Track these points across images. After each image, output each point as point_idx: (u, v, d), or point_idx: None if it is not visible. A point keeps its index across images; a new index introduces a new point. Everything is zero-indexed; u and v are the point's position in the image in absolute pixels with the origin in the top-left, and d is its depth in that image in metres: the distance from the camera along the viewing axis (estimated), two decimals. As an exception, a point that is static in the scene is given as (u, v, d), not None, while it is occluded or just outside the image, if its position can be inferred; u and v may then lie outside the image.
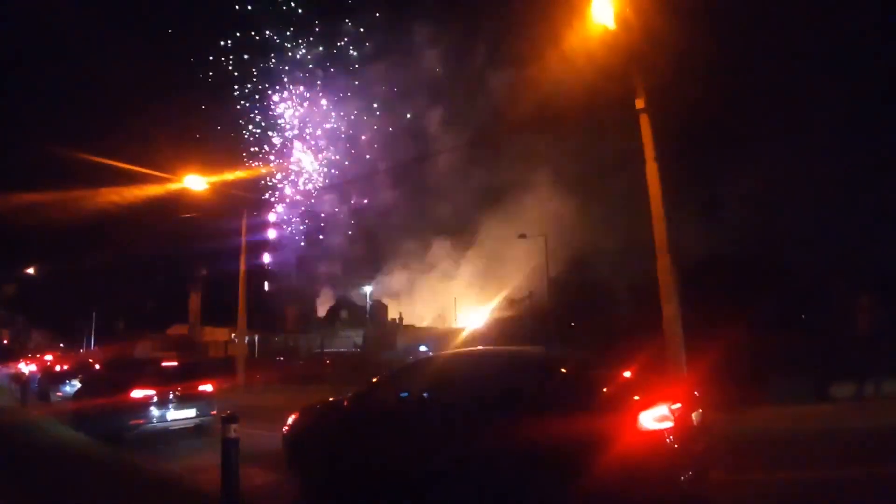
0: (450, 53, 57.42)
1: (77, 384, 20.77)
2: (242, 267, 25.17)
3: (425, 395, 7.18)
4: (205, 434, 12.03)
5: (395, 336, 41.41)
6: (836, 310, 13.99)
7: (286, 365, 32.35)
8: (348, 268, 59.26)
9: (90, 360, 27.81)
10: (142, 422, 11.49)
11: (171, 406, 11.82)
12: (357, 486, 7.21)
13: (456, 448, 6.28)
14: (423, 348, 36.39)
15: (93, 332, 59.28)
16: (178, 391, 12.01)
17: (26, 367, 28.84)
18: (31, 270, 47.18)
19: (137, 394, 11.59)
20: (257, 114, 64.68)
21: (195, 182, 22.82)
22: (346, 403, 7.69)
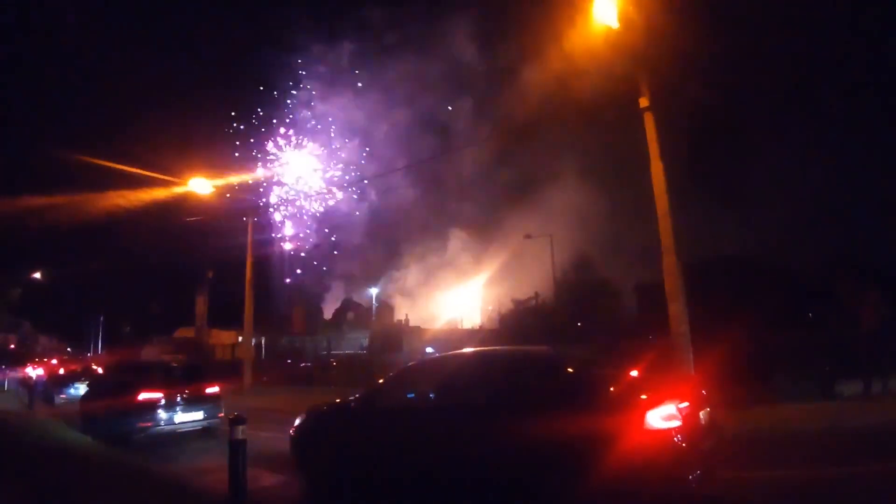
0: (452, 54, 57.25)
1: (81, 387, 21.00)
2: (249, 270, 25.23)
3: (431, 395, 7.20)
4: (212, 436, 12.02)
5: (402, 338, 41.40)
6: (843, 307, 13.96)
7: (293, 367, 32.39)
8: (358, 268, 59.34)
9: (93, 365, 28.03)
10: (149, 424, 11.49)
11: (178, 408, 11.83)
12: (364, 486, 7.23)
13: (463, 448, 6.29)
14: (429, 350, 36.43)
15: (100, 336, 59.56)
16: (185, 393, 12.03)
17: (33, 372, 29.03)
18: (37, 275, 47.40)
19: (145, 396, 11.59)
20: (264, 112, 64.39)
21: (200, 185, 22.92)
22: (353, 405, 7.71)
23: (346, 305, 59.26)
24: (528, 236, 38.98)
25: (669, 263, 11.91)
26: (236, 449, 6.46)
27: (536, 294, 37.35)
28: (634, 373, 6.72)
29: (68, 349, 57.32)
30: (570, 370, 6.72)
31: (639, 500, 5.41)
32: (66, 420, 14.60)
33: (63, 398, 22.96)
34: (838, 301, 15.35)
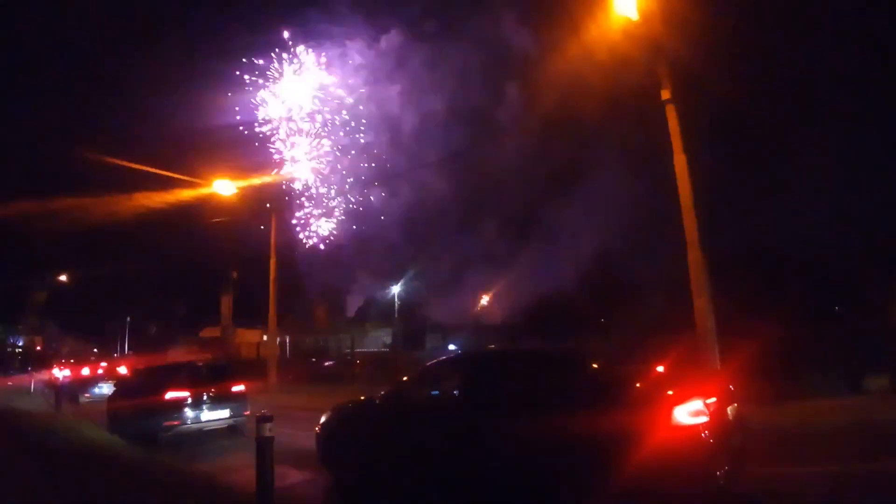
0: (471, 48, 56.88)
1: (105, 386, 21.39)
2: (273, 270, 25.44)
3: (455, 393, 7.20)
4: (238, 434, 12.18)
5: (424, 335, 41.51)
6: (870, 301, 13.77)
7: (317, 365, 32.65)
8: (381, 264, 59.32)
9: (118, 366, 28.51)
10: (176, 423, 11.62)
11: (204, 407, 11.96)
12: (390, 483, 7.27)
13: (488, 446, 6.28)
14: (452, 347, 36.47)
15: (126, 337, 60.37)
16: (211, 392, 12.14)
17: (59, 373, 29.64)
18: (63, 278, 48.19)
19: (172, 395, 11.73)
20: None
21: (224, 186, 23.19)
22: (377, 402, 7.75)
23: (370, 302, 59.44)
24: (549, 232, 38.89)
25: (694, 258, 11.80)
26: (263, 447, 6.50)
27: (560, 290, 37.20)
28: (661, 368, 6.66)
29: (94, 350, 58.17)
30: (595, 367, 6.68)
31: (667, 497, 5.36)
32: (93, 419, 14.87)
33: (87, 397, 23.57)
34: (865, 295, 15.14)
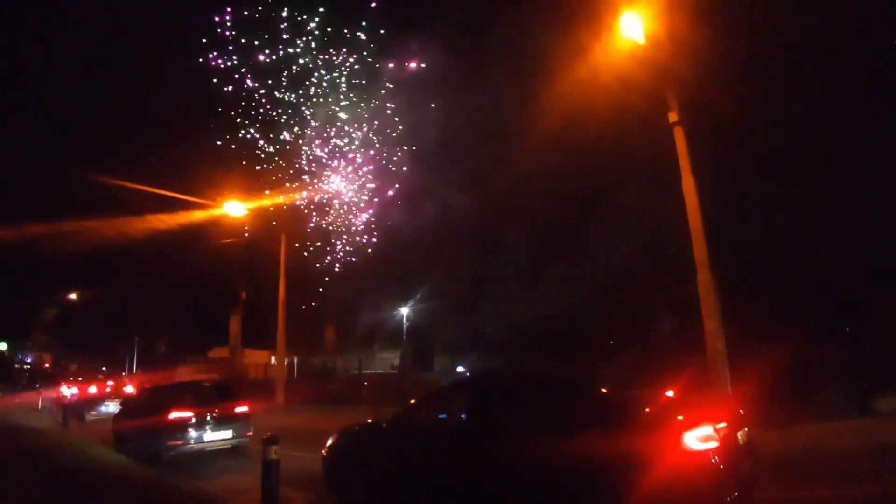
0: (473, 67, 57.06)
1: (111, 405, 21.49)
2: (282, 290, 25.48)
3: (463, 416, 7.17)
4: (241, 455, 12.28)
5: (433, 357, 41.39)
6: (880, 322, 13.67)
7: (325, 386, 32.56)
8: (391, 286, 59.30)
9: (125, 385, 28.63)
10: (179, 443, 11.75)
11: (208, 427, 12.06)
12: None
13: (495, 470, 6.24)
14: (460, 369, 36.35)
15: (134, 356, 60.45)
16: (215, 413, 12.23)
17: (67, 391, 29.76)
18: (72, 296, 48.48)
19: (175, 415, 11.85)
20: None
21: (235, 208, 23.36)
22: (385, 425, 7.73)
23: (378, 324, 59.38)
24: (560, 255, 38.90)
25: (704, 280, 11.74)
26: (269, 469, 6.52)
27: (570, 312, 37.04)
28: (670, 392, 6.62)
29: (103, 368, 58.35)
30: (604, 391, 6.65)
31: None
32: (99, 438, 14.94)
33: (94, 415, 23.70)
34: (875, 315, 15.02)
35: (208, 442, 12.06)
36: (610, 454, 5.42)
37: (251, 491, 7.52)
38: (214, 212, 24.11)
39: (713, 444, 5.30)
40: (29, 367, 64.02)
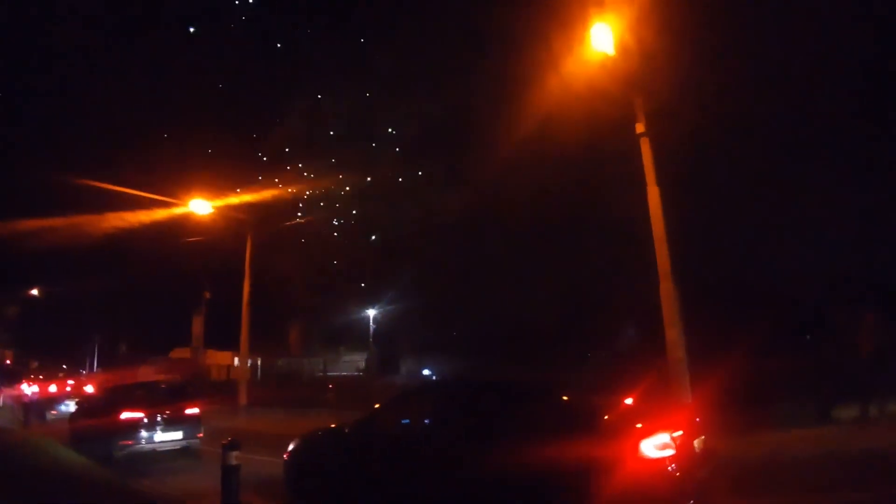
0: (444, 75, 57.22)
1: (71, 404, 21.21)
2: (246, 291, 25.15)
3: (427, 422, 7.16)
4: (192, 456, 12.51)
5: (399, 360, 41.27)
6: (840, 330, 13.96)
7: (288, 389, 32.21)
8: (357, 288, 59.08)
9: (85, 384, 28.18)
10: (130, 443, 11.93)
11: (158, 428, 12.25)
12: None
13: (457, 478, 6.24)
14: (426, 372, 36.29)
15: (95, 355, 59.24)
16: (165, 414, 12.42)
17: (28, 389, 29.15)
18: (34, 292, 47.38)
19: (127, 416, 12.04)
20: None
21: (200, 206, 22.98)
22: (347, 431, 7.66)
23: (344, 326, 59.04)
24: (522, 260, 39.27)
25: (666, 289, 11.91)
26: (229, 475, 6.43)
27: (534, 316, 37.29)
28: (629, 400, 6.70)
29: (64, 367, 57.03)
30: (565, 399, 6.69)
31: None
32: (59, 437, 14.65)
33: (54, 414, 23.34)
34: (835, 324, 15.34)
35: (159, 443, 12.23)
36: (569, 461, 5.47)
37: (210, 496, 7.40)
38: (179, 210, 23.67)
39: (670, 452, 5.38)
40: (-9, 364, 62.34)
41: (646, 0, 11.36)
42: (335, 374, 37.80)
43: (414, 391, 8.43)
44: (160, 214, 24.72)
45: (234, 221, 25.51)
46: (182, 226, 26.65)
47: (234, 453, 6.48)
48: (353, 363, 42.31)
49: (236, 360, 35.90)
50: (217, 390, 29.31)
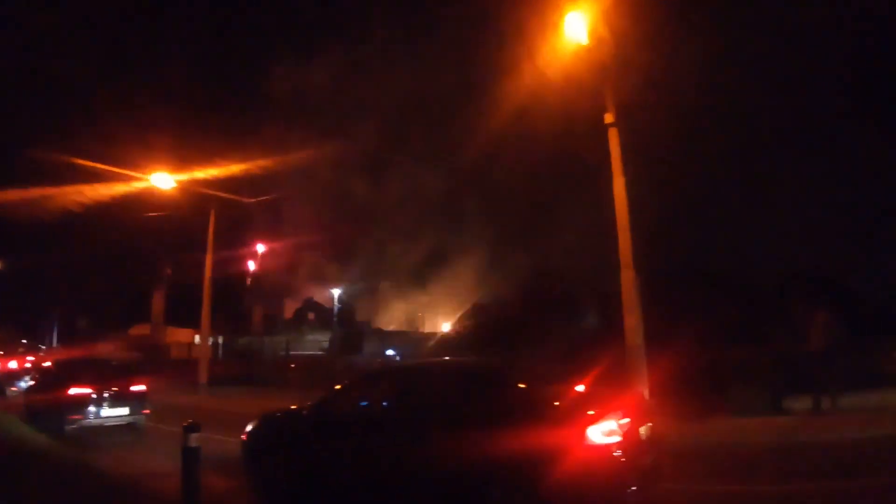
0: (424, 66, 57.19)
1: (30, 380, 20.95)
2: (209, 268, 24.84)
3: (385, 404, 7.20)
4: (138, 431, 13.20)
5: (363, 340, 41.18)
6: (795, 325, 14.33)
7: (250, 367, 31.98)
8: (321, 267, 58.73)
9: (44, 361, 27.80)
10: (79, 417, 12.50)
11: (105, 404, 12.81)
12: (315, 496, 7.19)
13: (409, 461, 6.32)
14: (390, 352, 36.27)
15: (55, 330, 58.13)
16: (113, 390, 12.96)
17: None
18: (-8, 265, 46.14)
19: (75, 391, 12.60)
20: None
21: (162, 180, 22.50)
22: (304, 412, 7.65)
23: (308, 305, 58.77)
24: (488, 244, 39.56)
25: (627, 277, 12.14)
26: (189, 456, 6.40)
27: (499, 300, 37.50)
28: (581, 387, 6.82)
29: (24, 341, 55.99)
30: (515, 383, 6.77)
31: None
32: (16, 413, 14.91)
33: (14, 390, 23.16)
34: (791, 318, 15.73)
35: (105, 418, 12.81)
36: (518, 446, 5.58)
37: (170, 475, 7.34)
38: (141, 184, 23.14)
39: (616, 439, 5.52)
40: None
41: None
42: (298, 353, 37.56)
43: (373, 373, 8.48)
44: (121, 189, 24.18)
45: (197, 196, 24.98)
46: (145, 200, 26.03)
47: (194, 435, 6.45)
48: (316, 343, 42.07)
49: (197, 338, 35.50)
50: (177, 368, 29.03)
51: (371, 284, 55.88)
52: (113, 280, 52.76)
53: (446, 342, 33.77)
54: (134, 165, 22.71)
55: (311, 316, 55.95)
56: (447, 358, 8.45)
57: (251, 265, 42.63)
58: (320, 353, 39.22)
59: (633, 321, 11.96)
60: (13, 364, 29.12)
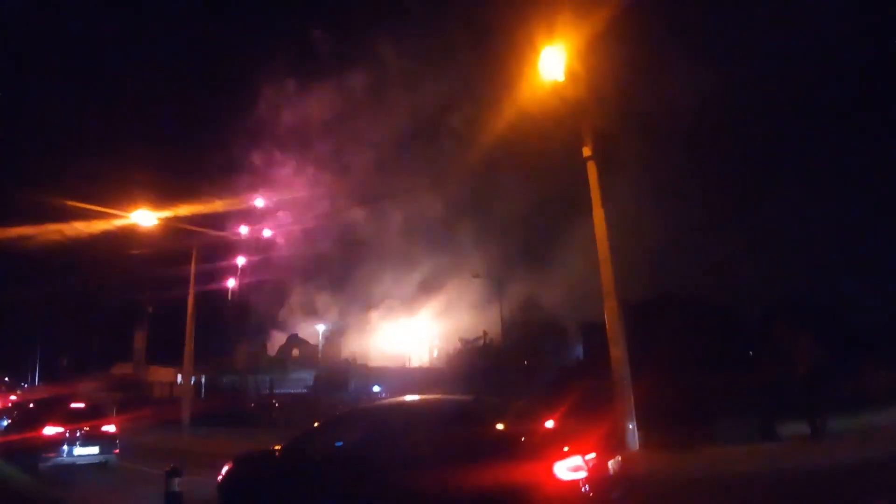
0: (404, 102, 57.80)
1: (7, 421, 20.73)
2: (191, 306, 24.64)
3: (355, 444, 7.16)
4: (109, 470, 13.46)
5: (348, 376, 40.84)
6: (779, 350, 14.42)
7: (233, 406, 31.56)
8: (304, 304, 58.38)
9: (25, 401, 27.39)
10: (53, 455, 13.01)
11: (77, 443, 13.33)
12: None
13: (382, 499, 6.28)
14: (376, 389, 35.97)
15: (37, 369, 57.27)
16: (84, 430, 13.53)
17: None
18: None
19: (49, 431, 13.14)
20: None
21: (144, 218, 22.43)
22: (277, 454, 7.57)
23: (292, 342, 58.20)
24: (476, 276, 39.57)
25: (610, 308, 12.18)
26: (172, 501, 6.32)
27: (485, 333, 37.44)
28: (550, 423, 6.87)
29: (6, 379, 55.23)
30: (484, 420, 6.79)
31: None
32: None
33: None
34: (776, 344, 15.84)
35: (77, 456, 13.29)
36: (486, 483, 5.63)
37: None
38: (123, 222, 23.05)
39: (582, 474, 5.57)
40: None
41: (594, 28, 11.72)
42: (283, 391, 37.17)
43: (347, 413, 8.47)
44: (103, 226, 24.07)
45: (179, 233, 24.92)
46: (128, 238, 25.90)
47: (177, 480, 6.39)
48: (301, 381, 41.65)
49: (179, 378, 35.05)
50: (159, 407, 28.64)
51: (359, 316, 55.56)
52: (95, 318, 52.24)
53: (434, 376, 33.60)
54: (116, 203, 22.67)
55: (295, 353, 55.36)
56: (417, 397, 8.42)
57: (231, 282, 42.34)
58: (305, 391, 38.83)
59: (618, 353, 11.98)
60: None
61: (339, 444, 7.33)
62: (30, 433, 13.41)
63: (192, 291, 24.79)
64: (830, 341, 13.10)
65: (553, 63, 11.66)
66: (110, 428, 14.21)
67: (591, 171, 12.43)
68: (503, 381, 25.25)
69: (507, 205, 50.10)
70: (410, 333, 52.85)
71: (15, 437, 14.21)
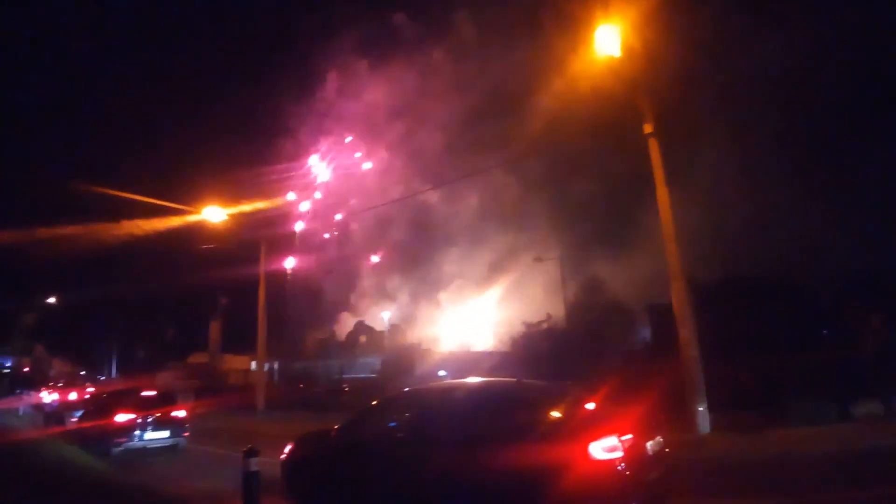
0: (458, 80, 57.37)
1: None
2: (262, 296, 25.46)
3: (405, 424, 7.41)
4: (179, 453, 14.03)
5: (414, 361, 41.34)
6: (856, 329, 13.94)
7: (305, 391, 32.51)
8: (371, 290, 59.36)
9: (96, 391, 29.05)
10: (124, 440, 13.53)
11: (148, 428, 13.85)
12: None
13: (426, 476, 6.49)
14: (441, 373, 36.29)
15: (113, 361, 59.90)
16: (155, 416, 14.05)
17: (48, 397, 30.06)
18: (52, 300, 48.10)
19: (121, 418, 13.67)
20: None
21: (214, 213, 23.28)
22: (333, 434, 7.89)
23: (359, 328, 59.25)
24: (538, 259, 39.25)
25: (678, 289, 11.96)
26: (250, 480, 6.62)
27: (549, 316, 37.17)
28: (591, 404, 6.86)
29: (82, 373, 57.75)
30: (524, 402, 6.87)
31: None
32: (69, 439, 16.14)
33: (74, 420, 24.01)
34: (851, 322, 15.30)
35: (149, 440, 13.81)
36: (525, 463, 5.78)
37: (233, 497, 7.59)
38: (194, 217, 23.99)
39: (618, 454, 5.61)
40: (9, 371, 63.36)
41: (649, 2, 11.46)
42: (351, 375, 37.97)
43: (398, 395, 8.72)
44: (176, 222, 25.08)
45: (247, 229, 25.77)
46: (200, 232, 26.97)
47: (254, 460, 6.69)
48: (368, 366, 42.42)
49: (253, 364, 36.24)
50: (234, 394, 29.77)
51: (430, 297, 56.06)
52: (171, 311, 54.47)
53: (497, 361, 33.62)
54: (186, 200, 23.60)
55: (362, 339, 56.38)
56: (465, 379, 8.58)
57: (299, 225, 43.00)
58: (373, 375, 39.54)
59: (686, 333, 11.77)
60: (73, 395, 30.29)
61: (392, 424, 7.59)
62: (103, 421, 14.07)
63: (262, 283, 25.62)
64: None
65: (609, 38, 11.47)
66: (180, 413, 14.79)
67: (654, 148, 12.17)
68: (567, 364, 25.07)
69: (576, 185, 49.31)
70: (475, 318, 52.96)
71: (88, 424, 15.17)
